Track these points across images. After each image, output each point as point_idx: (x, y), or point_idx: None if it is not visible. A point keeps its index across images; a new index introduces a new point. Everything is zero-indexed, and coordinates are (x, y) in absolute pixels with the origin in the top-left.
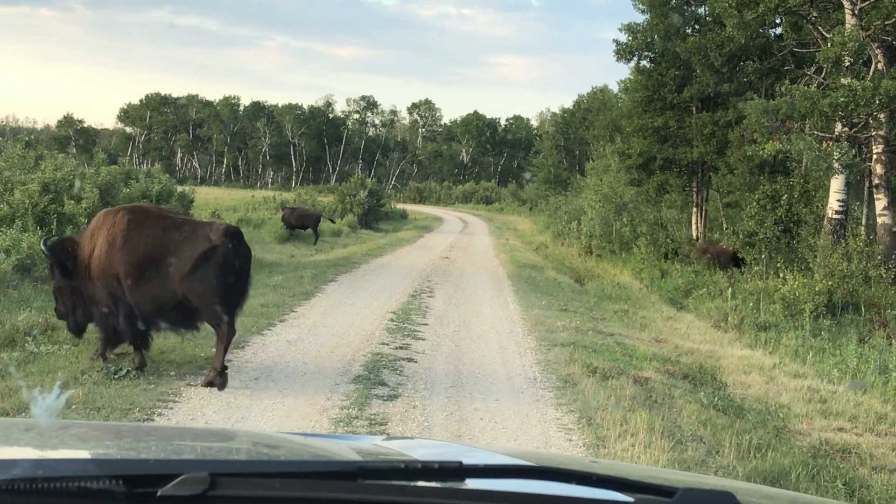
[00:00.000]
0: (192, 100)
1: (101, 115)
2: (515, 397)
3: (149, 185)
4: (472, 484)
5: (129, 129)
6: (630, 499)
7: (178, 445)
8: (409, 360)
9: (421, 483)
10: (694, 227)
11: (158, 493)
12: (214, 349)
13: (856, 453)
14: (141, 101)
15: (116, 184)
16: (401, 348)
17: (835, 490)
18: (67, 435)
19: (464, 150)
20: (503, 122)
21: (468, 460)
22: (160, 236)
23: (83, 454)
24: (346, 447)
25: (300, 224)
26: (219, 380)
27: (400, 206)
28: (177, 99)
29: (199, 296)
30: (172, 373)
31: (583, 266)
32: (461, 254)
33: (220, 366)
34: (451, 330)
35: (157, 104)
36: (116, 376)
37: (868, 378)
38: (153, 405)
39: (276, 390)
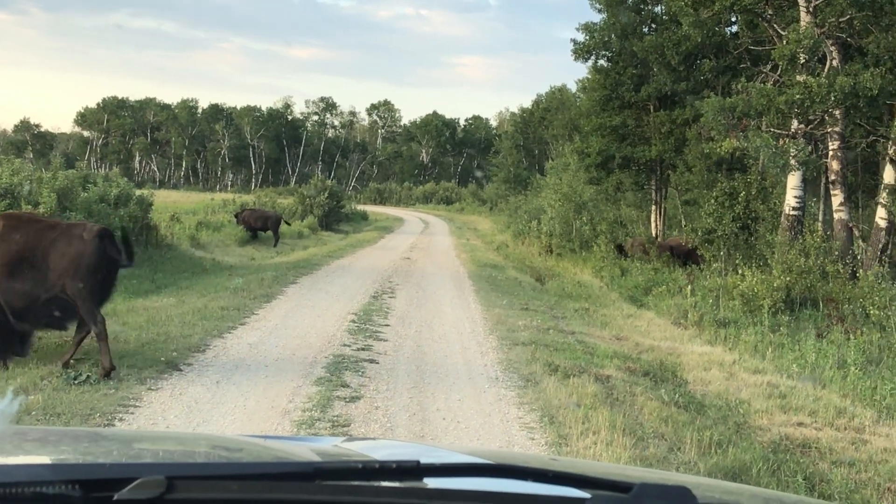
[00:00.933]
0: (149, 103)
1: (58, 119)
2: (478, 397)
3: (107, 189)
4: (429, 483)
5: (86, 133)
6: (586, 495)
7: (135, 449)
8: (371, 361)
9: (379, 483)
10: (653, 225)
11: (115, 498)
12: (175, 353)
13: (816, 448)
14: (98, 104)
15: (74, 188)
16: (363, 349)
17: (795, 484)
18: (22, 440)
19: (423, 151)
20: (462, 123)
21: (427, 460)
22: (34, 237)
23: (38, 459)
24: (305, 449)
25: (260, 226)
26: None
27: (360, 207)
28: (134, 102)
29: (75, 293)
30: (133, 378)
31: (543, 265)
32: (422, 254)
33: (109, 365)
34: (413, 330)
35: (114, 107)
36: (77, 382)
37: (826, 373)
38: (114, 410)
39: (238, 393)
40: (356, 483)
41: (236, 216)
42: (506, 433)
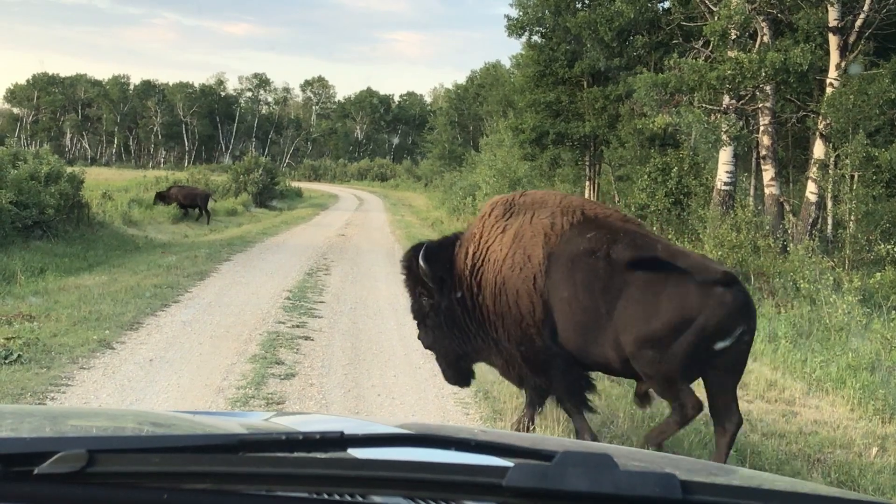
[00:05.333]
0: (80, 79)
1: None
2: (413, 373)
3: (37, 167)
4: (353, 453)
5: (16, 110)
6: (509, 463)
7: (62, 425)
8: (306, 338)
9: (303, 454)
10: None
11: (35, 472)
12: (107, 331)
13: (747, 420)
14: (28, 80)
15: (4, 165)
16: (297, 326)
17: (727, 457)
18: None
19: (358, 128)
20: (397, 99)
21: (352, 432)
22: None
23: None
24: (234, 423)
25: (189, 203)
26: None
27: (295, 184)
28: (65, 79)
29: None
30: (65, 357)
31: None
32: (357, 231)
33: None
34: (348, 307)
35: (44, 84)
36: (7, 361)
37: (758, 346)
38: (45, 389)
39: (172, 371)
40: (280, 455)
41: (159, 195)
42: (441, 409)
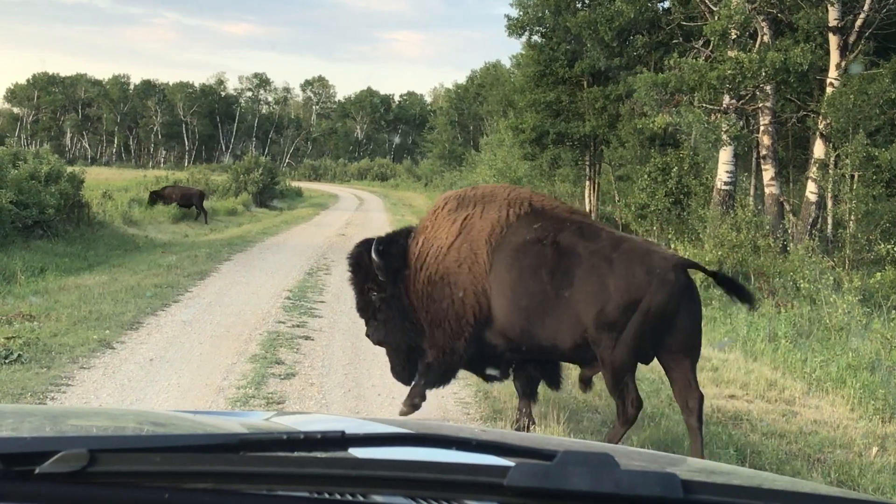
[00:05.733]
0: (80, 79)
1: None
2: None
3: (37, 167)
4: (354, 453)
5: (16, 110)
6: (510, 462)
7: (62, 425)
8: (307, 337)
9: (304, 454)
10: (587, 200)
11: (36, 471)
12: (108, 331)
13: (747, 420)
14: (28, 80)
15: (4, 165)
16: (298, 326)
17: (727, 456)
18: None
19: (358, 127)
20: (397, 99)
21: (353, 431)
22: None
23: None
24: (235, 423)
25: (185, 202)
26: None
27: (295, 183)
28: (65, 78)
29: None
30: (65, 356)
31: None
32: (358, 230)
33: None
34: (349, 306)
35: (44, 84)
36: (7, 360)
37: (758, 346)
38: (46, 389)
39: (172, 371)
40: (281, 454)
41: (154, 194)
42: (441, 408)
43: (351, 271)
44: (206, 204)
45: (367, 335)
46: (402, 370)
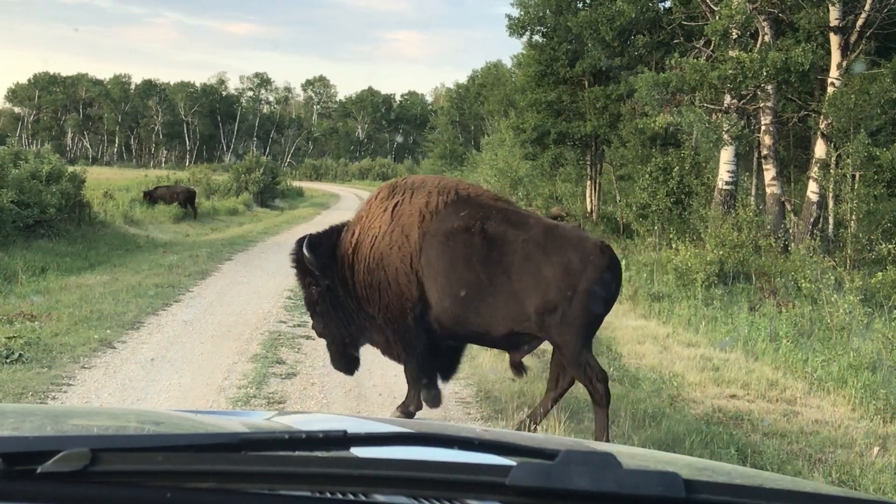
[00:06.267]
0: (81, 79)
1: None
2: None
3: (38, 166)
4: (356, 452)
5: (17, 110)
6: (512, 462)
7: (63, 424)
8: (308, 337)
9: (306, 453)
10: (588, 199)
11: (38, 470)
12: (109, 330)
13: (748, 420)
14: (29, 80)
15: (5, 165)
16: (299, 326)
17: (728, 456)
18: None
19: (359, 127)
20: (398, 98)
21: (355, 430)
22: None
23: None
24: (236, 422)
25: (176, 202)
26: None
27: (296, 183)
28: (66, 78)
29: None
30: (66, 356)
31: None
32: None
33: None
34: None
35: (45, 83)
36: (8, 360)
37: (759, 346)
38: (47, 389)
39: (173, 371)
40: (283, 453)
41: (146, 194)
42: (442, 408)
43: (294, 268)
44: (207, 204)
45: (312, 328)
46: (339, 360)
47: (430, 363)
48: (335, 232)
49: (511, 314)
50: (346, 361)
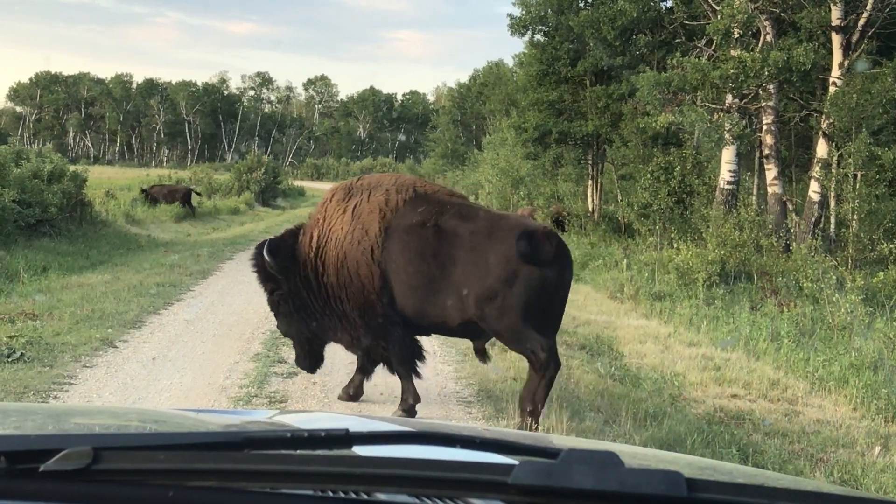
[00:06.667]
0: (83, 78)
1: None
2: None
3: (40, 165)
4: (358, 451)
5: (18, 109)
6: (514, 461)
7: (65, 423)
8: None
9: (308, 451)
10: (590, 199)
11: (41, 469)
12: (110, 329)
13: (749, 419)
14: (31, 79)
15: (7, 164)
16: None
17: (729, 456)
18: None
19: (361, 126)
20: (400, 98)
21: (357, 429)
22: None
23: None
24: (238, 421)
25: (171, 200)
26: None
27: (297, 182)
28: (68, 77)
29: None
30: (68, 355)
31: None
32: None
33: None
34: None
35: (47, 83)
36: (10, 359)
37: (760, 345)
38: (48, 388)
39: (174, 370)
40: (285, 452)
41: (144, 191)
42: (443, 407)
43: (255, 272)
44: (209, 203)
45: (277, 328)
46: (304, 359)
47: (409, 351)
48: (292, 235)
49: (458, 304)
50: (309, 360)
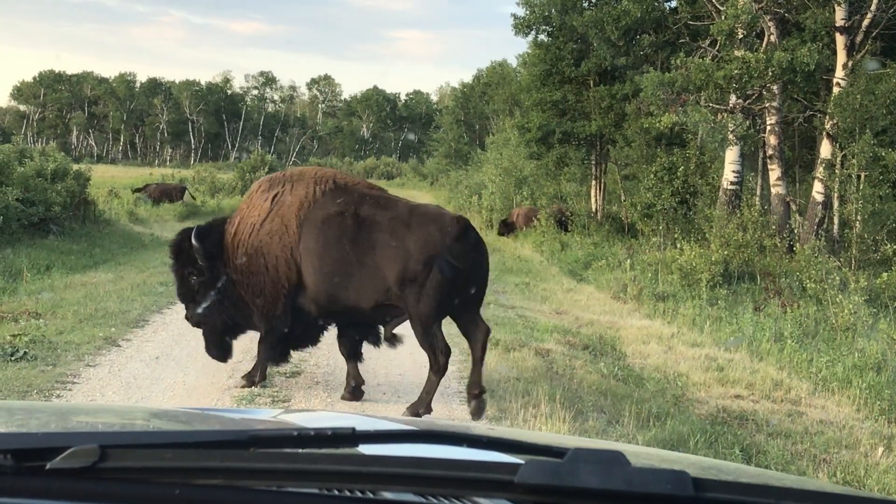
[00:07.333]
0: (86, 77)
1: None
2: (418, 372)
3: (43, 164)
4: (364, 449)
5: (22, 107)
6: (520, 460)
7: (71, 421)
8: None
9: (314, 450)
10: (593, 199)
11: (47, 467)
12: (114, 328)
13: (753, 420)
14: (34, 78)
15: (10, 162)
16: None
17: (733, 456)
18: None
19: (364, 126)
20: (403, 98)
21: (362, 428)
22: None
23: None
24: (243, 420)
25: (166, 199)
26: None
27: None
28: (71, 76)
29: None
30: (71, 354)
31: (484, 239)
32: None
33: None
34: None
35: (51, 81)
36: (13, 358)
37: (764, 346)
38: (51, 387)
39: (178, 369)
40: (291, 450)
41: (137, 191)
42: (447, 407)
43: (172, 258)
44: (213, 202)
45: (186, 318)
46: (216, 348)
47: (287, 342)
48: (220, 224)
49: (378, 286)
50: (221, 349)
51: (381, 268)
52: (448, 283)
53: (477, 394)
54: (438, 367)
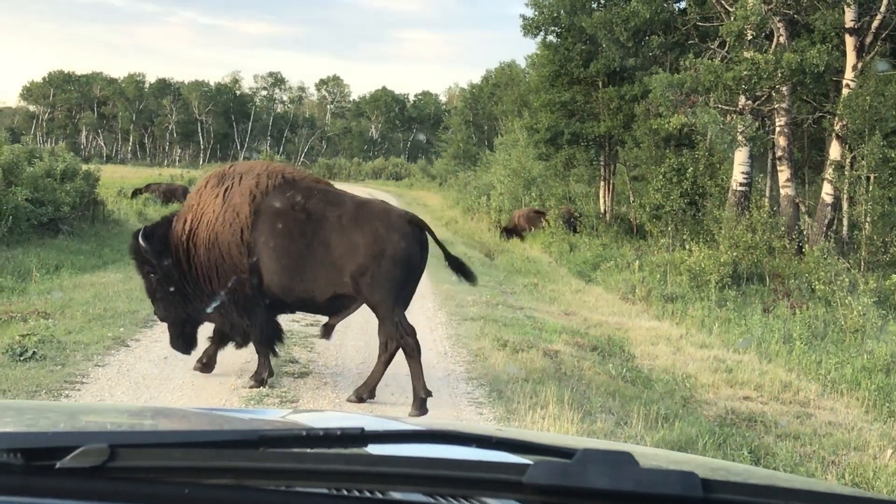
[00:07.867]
0: (96, 77)
1: (3, 93)
2: (427, 372)
3: (53, 164)
4: (373, 449)
5: (32, 108)
6: (529, 461)
7: (80, 420)
8: (320, 336)
9: (323, 450)
10: (602, 200)
11: (57, 466)
12: (122, 328)
13: (761, 421)
14: (44, 78)
15: (20, 163)
16: (311, 325)
17: (741, 457)
18: None
19: (373, 127)
20: (412, 98)
21: (371, 428)
22: None
23: None
24: (252, 420)
25: (170, 199)
26: None
27: None
28: (80, 76)
29: None
30: (80, 354)
31: (492, 240)
32: None
33: None
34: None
35: (60, 82)
36: (22, 358)
37: (772, 347)
38: (60, 387)
39: (186, 369)
40: (300, 450)
41: (136, 192)
42: (455, 407)
43: (133, 259)
44: None
45: (155, 314)
46: (178, 341)
47: (272, 330)
48: (166, 222)
49: (332, 279)
50: (183, 341)
51: (333, 261)
52: (399, 276)
53: (363, 399)
54: (411, 349)
